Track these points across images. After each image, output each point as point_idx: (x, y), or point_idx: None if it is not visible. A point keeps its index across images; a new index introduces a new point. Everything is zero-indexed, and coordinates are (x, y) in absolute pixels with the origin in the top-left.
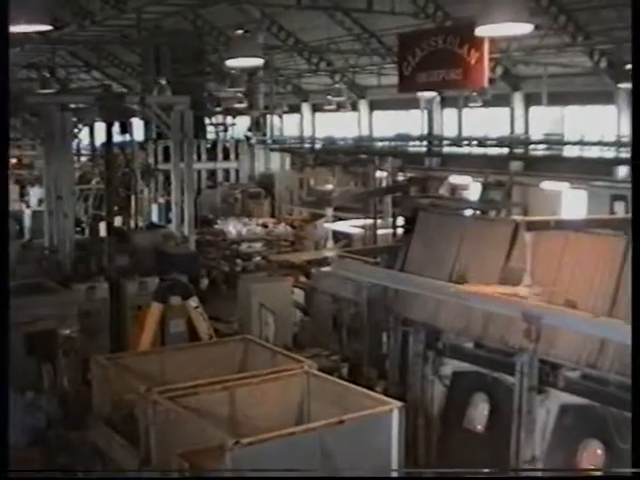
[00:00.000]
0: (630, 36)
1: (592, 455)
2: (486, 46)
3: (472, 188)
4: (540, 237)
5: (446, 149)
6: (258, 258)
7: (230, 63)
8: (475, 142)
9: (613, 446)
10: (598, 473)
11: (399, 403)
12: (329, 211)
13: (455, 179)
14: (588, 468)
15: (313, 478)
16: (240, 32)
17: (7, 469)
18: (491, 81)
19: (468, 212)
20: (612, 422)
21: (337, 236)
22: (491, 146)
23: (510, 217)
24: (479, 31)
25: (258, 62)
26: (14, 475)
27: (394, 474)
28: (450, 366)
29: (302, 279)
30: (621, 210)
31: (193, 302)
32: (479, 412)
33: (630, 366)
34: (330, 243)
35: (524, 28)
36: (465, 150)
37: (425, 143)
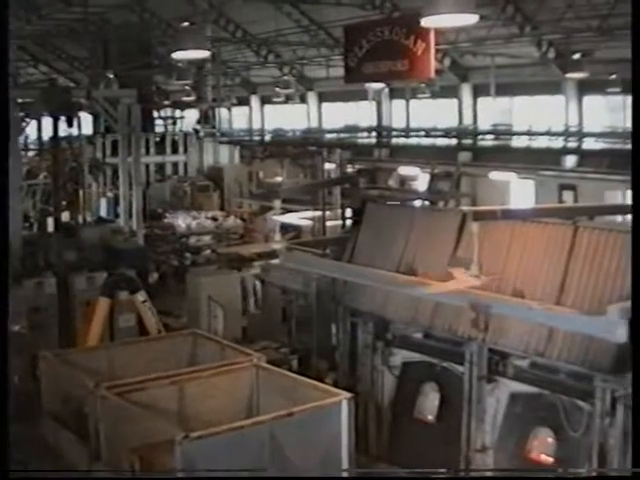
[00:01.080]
0: (578, 27)
1: (543, 443)
2: (432, 37)
3: (421, 179)
4: (487, 227)
5: (395, 140)
6: (207, 251)
7: (176, 55)
8: (423, 133)
9: (563, 434)
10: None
11: (348, 394)
12: (277, 203)
13: (404, 170)
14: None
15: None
16: (186, 24)
17: (7, 469)
18: (438, 72)
19: (417, 203)
20: (562, 410)
21: (287, 228)
22: (440, 137)
23: (458, 207)
24: (425, 22)
25: (204, 54)
26: (14, 475)
27: (345, 474)
28: (399, 356)
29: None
30: (570, 199)
31: (141, 296)
32: (429, 402)
33: (579, 354)
34: (278, 236)
35: (470, 19)
36: (414, 141)
37: (374, 134)
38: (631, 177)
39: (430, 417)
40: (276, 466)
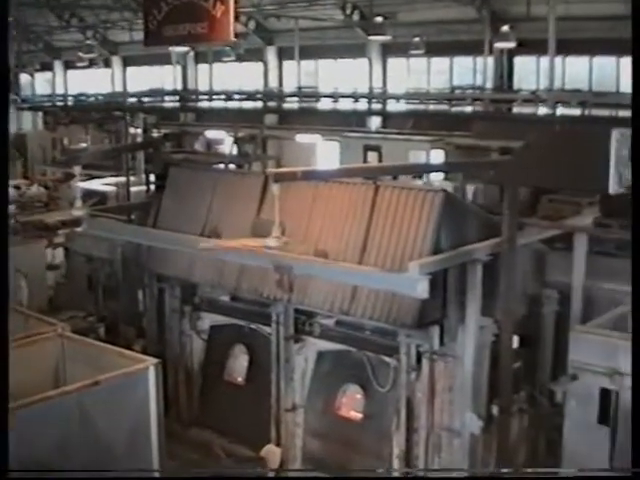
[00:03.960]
0: None
1: (351, 400)
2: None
3: (228, 142)
4: (291, 188)
5: (201, 104)
6: (12, 221)
7: None
8: (229, 96)
9: (371, 389)
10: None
11: (155, 360)
12: (77, 170)
13: (211, 134)
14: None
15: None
16: None
17: (7, 469)
18: (240, 35)
19: (223, 166)
20: (369, 366)
21: (92, 195)
22: (245, 100)
23: (262, 170)
24: None
25: None
26: (14, 475)
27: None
28: (208, 320)
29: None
30: (374, 160)
31: None
32: (238, 364)
33: (382, 310)
34: (79, 202)
35: None
36: (220, 105)
37: (178, 98)
38: (631, 176)
39: (240, 379)
40: (85, 436)
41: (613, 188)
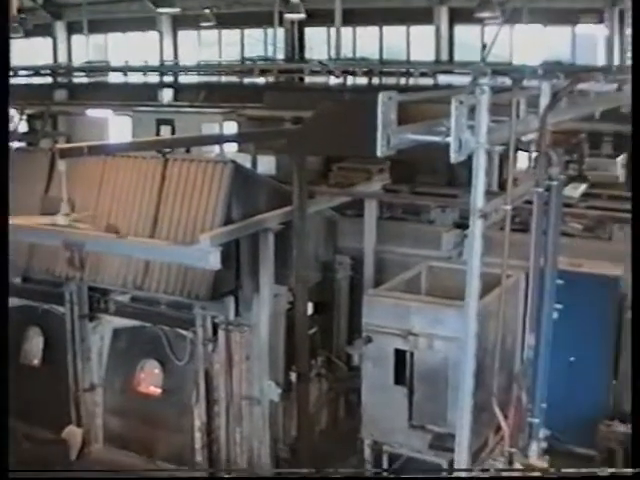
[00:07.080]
0: None
1: (150, 375)
2: None
3: (16, 120)
4: (79, 164)
5: None
6: None
7: None
8: (16, 72)
9: (169, 364)
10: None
11: None
12: None
13: None
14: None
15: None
16: None
17: (7, 469)
18: (23, 11)
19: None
20: (166, 340)
21: None
22: (34, 76)
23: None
24: None
25: None
26: (14, 475)
27: None
28: None
29: None
30: (167, 133)
31: None
32: (34, 346)
33: (176, 284)
34: None
35: None
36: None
37: None
38: (631, 173)
39: (36, 361)
40: None
41: (381, 151)
